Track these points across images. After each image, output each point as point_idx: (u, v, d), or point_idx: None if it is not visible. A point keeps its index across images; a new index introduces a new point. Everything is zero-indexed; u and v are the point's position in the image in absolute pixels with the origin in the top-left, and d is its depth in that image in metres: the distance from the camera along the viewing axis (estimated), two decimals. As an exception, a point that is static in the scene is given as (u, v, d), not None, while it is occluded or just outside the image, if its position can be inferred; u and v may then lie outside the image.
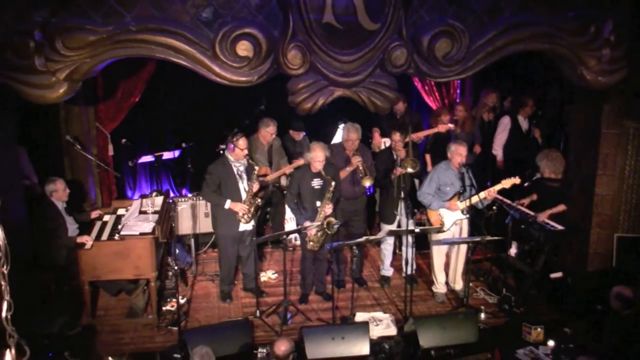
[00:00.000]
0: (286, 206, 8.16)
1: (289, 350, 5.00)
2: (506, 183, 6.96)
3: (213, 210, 7.22)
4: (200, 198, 7.91)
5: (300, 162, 7.66)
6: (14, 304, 2.63)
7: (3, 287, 2.59)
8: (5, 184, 6.01)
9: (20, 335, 2.69)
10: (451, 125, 8.63)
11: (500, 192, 7.21)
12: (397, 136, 7.20)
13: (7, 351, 2.66)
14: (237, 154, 6.91)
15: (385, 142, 8.67)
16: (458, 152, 6.95)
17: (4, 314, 2.60)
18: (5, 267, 2.57)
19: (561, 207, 7.39)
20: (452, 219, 7.08)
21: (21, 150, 7.47)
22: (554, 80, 8.96)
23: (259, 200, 7.13)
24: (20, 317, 2.77)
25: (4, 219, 2.58)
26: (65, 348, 5.89)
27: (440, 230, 7.07)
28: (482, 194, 6.91)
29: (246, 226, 7.11)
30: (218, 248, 7.52)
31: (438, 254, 7.33)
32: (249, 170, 7.06)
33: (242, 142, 6.90)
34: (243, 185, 7.03)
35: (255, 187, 7.04)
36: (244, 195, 7.01)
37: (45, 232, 6.77)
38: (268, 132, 7.97)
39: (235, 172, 7.01)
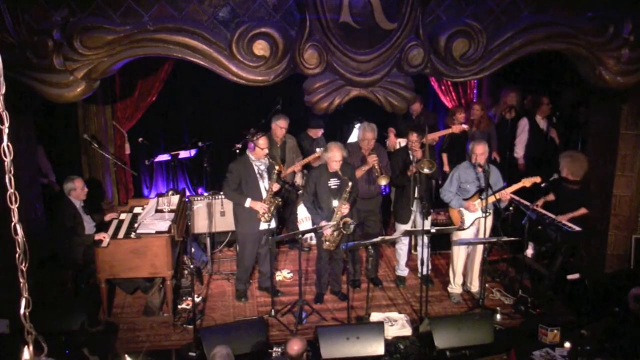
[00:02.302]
0: (299, 206, 8.19)
1: (303, 349, 4.99)
2: (527, 182, 6.93)
3: (234, 209, 7.24)
4: (217, 197, 7.94)
5: (312, 157, 7.66)
6: (32, 301, 2.64)
7: (22, 285, 2.60)
8: (24, 183, 6.07)
9: (38, 332, 2.71)
10: (465, 127, 8.60)
11: (519, 193, 7.17)
12: (414, 137, 7.17)
13: (26, 348, 2.68)
14: (257, 153, 6.92)
15: (400, 143, 8.66)
16: (474, 152, 6.91)
17: (22, 311, 2.62)
18: (24, 264, 2.58)
19: (582, 211, 7.31)
20: (472, 218, 7.05)
21: (39, 149, 7.54)
22: (570, 81, 8.92)
23: (280, 199, 7.15)
24: (38, 314, 2.78)
25: (22, 217, 2.59)
26: (84, 345, 5.93)
27: (458, 229, 7.04)
28: (498, 195, 6.87)
29: (267, 225, 7.13)
30: (238, 246, 7.55)
31: (460, 254, 7.29)
32: (270, 170, 7.07)
33: (262, 141, 6.91)
34: (264, 185, 7.04)
35: (276, 186, 7.05)
36: (264, 195, 7.02)
37: (63, 231, 6.83)
38: (278, 125, 7.99)
39: (256, 171, 7.02)
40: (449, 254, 7.60)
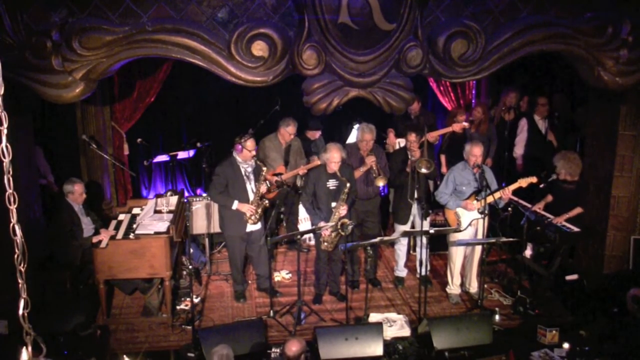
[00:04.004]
0: (300, 207, 8.18)
1: (300, 350, 4.99)
2: (523, 182, 6.93)
3: (221, 210, 7.24)
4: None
5: (315, 163, 7.66)
6: (31, 302, 2.64)
7: (20, 285, 2.60)
8: (23, 183, 6.06)
9: (37, 333, 2.71)
10: (466, 124, 8.58)
11: (517, 193, 7.18)
12: (412, 137, 7.17)
13: (24, 348, 2.68)
14: (244, 155, 6.92)
15: (399, 143, 8.66)
16: (472, 153, 6.92)
17: (20, 312, 2.62)
18: (22, 265, 2.58)
19: (578, 210, 7.35)
20: (468, 219, 7.05)
21: (38, 149, 7.53)
22: (569, 81, 8.94)
23: (267, 201, 7.14)
24: (36, 314, 2.78)
25: (21, 218, 2.59)
26: (81, 346, 5.93)
27: (456, 230, 7.04)
28: (497, 194, 6.88)
29: (254, 227, 7.12)
30: (227, 248, 7.55)
31: (457, 255, 7.29)
32: (256, 171, 7.07)
33: (250, 143, 6.90)
34: (250, 186, 7.04)
35: (263, 188, 7.04)
36: (251, 196, 7.02)
37: (61, 233, 6.82)
38: (287, 131, 7.97)
39: (243, 173, 7.02)
40: (446, 255, 7.59)
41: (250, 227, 7.09)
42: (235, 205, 6.94)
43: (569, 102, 9.23)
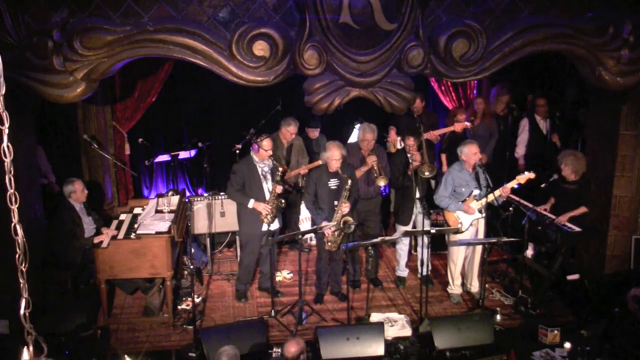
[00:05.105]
0: (301, 206, 8.18)
1: (299, 351, 4.96)
2: (521, 179, 6.91)
3: (237, 209, 7.24)
4: (216, 197, 7.94)
5: (316, 163, 7.66)
6: (32, 302, 2.64)
7: (21, 285, 2.60)
8: (24, 183, 6.06)
9: (38, 333, 2.71)
10: (468, 124, 8.57)
11: (519, 193, 7.16)
12: (410, 141, 7.17)
13: (25, 348, 2.68)
14: (261, 154, 6.93)
15: (400, 142, 8.64)
16: (472, 152, 6.91)
17: (22, 312, 2.62)
18: (23, 265, 2.58)
19: (582, 209, 7.31)
20: (469, 219, 7.04)
21: (39, 149, 7.53)
22: (571, 81, 8.92)
23: (283, 201, 7.14)
24: (37, 314, 2.78)
25: (22, 218, 2.59)
26: (82, 346, 5.93)
27: (457, 231, 7.04)
28: (497, 192, 6.88)
29: (271, 226, 7.12)
30: (240, 246, 7.54)
31: (457, 255, 7.29)
32: (273, 171, 7.07)
33: (266, 142, 6.91)
34: (267, 186, 7.05)
35: (279, 188, 7.04)
36: (267, 196, 7.03)
37: (62, 233, 6.82)
38: (289, 131, 7.97)
39: (260, 173, 7.03)
40: (446, 255, 7.59)
41: (266, 227, 7.08)
42: (251, 203, 6.95)
43: (577, 98, 9.19)
